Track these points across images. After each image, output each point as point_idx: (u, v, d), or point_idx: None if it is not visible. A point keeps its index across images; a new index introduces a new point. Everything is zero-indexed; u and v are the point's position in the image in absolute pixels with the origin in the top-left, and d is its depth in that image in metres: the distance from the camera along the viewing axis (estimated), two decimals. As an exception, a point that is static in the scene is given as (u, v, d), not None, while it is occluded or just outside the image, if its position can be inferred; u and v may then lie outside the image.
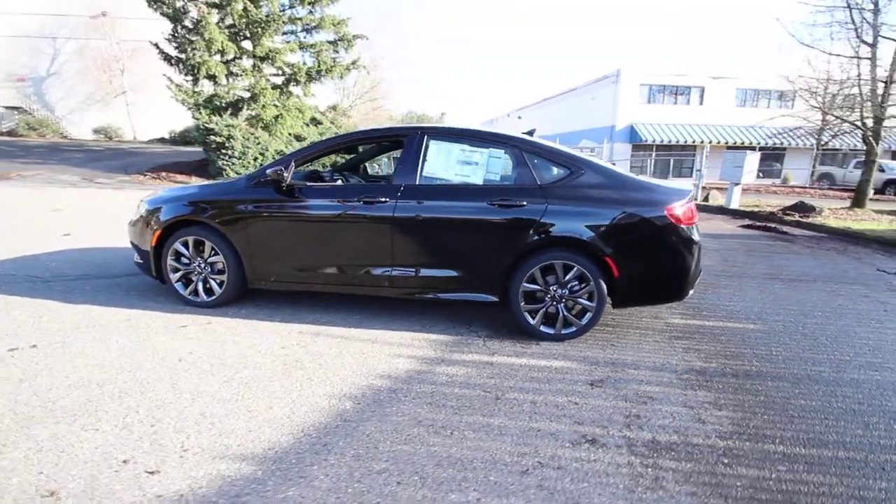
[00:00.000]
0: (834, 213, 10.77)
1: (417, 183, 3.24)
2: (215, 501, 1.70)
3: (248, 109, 17.16)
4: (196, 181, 15.86)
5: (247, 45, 16.97)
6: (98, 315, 3.44)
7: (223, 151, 16.07)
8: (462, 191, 3.21)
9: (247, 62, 17.15)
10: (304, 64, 17.73)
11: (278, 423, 2.19)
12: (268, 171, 3.30)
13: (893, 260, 6.52)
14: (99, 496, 1.71)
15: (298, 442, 2.06)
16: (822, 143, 20.71)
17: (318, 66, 17.53)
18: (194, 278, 3.64)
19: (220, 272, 3.59)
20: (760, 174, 18.59)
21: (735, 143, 24.38)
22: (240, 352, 2.93)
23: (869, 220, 10.01)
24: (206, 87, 17.07)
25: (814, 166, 23.31)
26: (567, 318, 3.16)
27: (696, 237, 3.11)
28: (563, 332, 3.19)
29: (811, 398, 2.59)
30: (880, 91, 11.29)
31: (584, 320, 3.16)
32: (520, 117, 38.38)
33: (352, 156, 4.72)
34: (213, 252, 3.53)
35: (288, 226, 3.38)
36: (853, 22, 11.31)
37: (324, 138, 3.52)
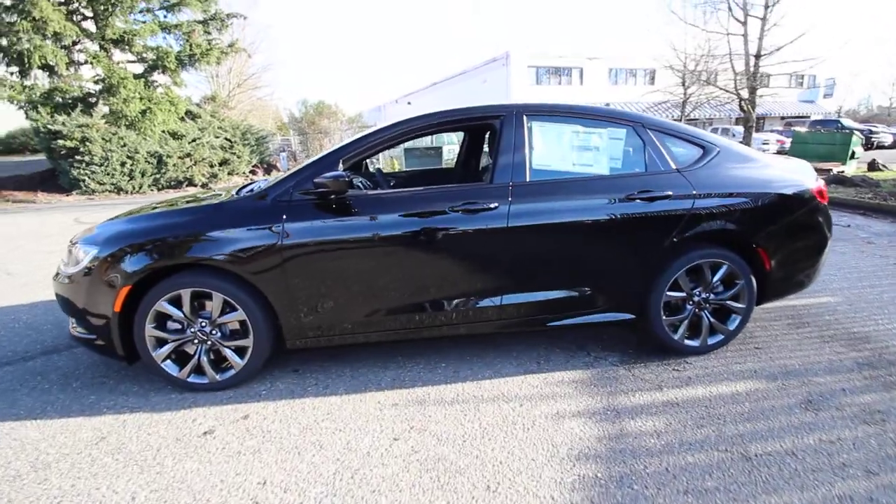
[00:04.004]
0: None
1: (529, 179, 2.43)
2: None
3: (104, 104, 13.93)
4: (45, 198, 12.50)
5: (89, 26, 13.64)
6: (48, 436, 2.07)
7: (78, 158, 12.87)
8: (589, 185, 2.48)
9: (93, 46, 13.79)
10: (171, 48, 14.78)
11: None
12: (318, 181, 2.21)
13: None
14: None
15: None
16: (686, 114, 23.41)
17: (191, 50, 14.81)
18: (192, 350, 2.41)
19: (237, 335, 2.41)
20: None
21: (616, 118, 26.56)
22: (337, 461, 1.90)
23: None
24: (42, 80, 13.44)
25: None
26: (714, 325, 2.66)
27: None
28: (709, 342, 2.68)
29: None
30: (752, 65, 12.82)
31: (732, 325, 2.68)
32: (409, 103, 37.52)
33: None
34: (225, 308, 2.34)
35: (352, 256, 2.33)
36: (728, 1, 12.64)
37: (383, 125, 2.44)
